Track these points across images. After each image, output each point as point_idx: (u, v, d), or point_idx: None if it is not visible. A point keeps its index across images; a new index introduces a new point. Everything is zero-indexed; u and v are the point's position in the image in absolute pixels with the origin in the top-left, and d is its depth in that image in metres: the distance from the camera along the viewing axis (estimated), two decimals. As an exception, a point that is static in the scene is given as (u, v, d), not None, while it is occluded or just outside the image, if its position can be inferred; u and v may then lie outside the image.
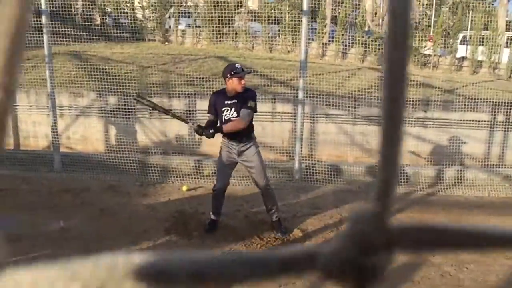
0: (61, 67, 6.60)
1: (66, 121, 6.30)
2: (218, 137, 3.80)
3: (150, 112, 6.13)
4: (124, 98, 5.99)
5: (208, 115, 3.86)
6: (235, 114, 3.66)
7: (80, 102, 6.29)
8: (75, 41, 6.51)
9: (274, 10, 8.46)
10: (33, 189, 4.93)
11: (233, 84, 3.59)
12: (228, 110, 3.68)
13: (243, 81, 3.59)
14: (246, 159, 3.77)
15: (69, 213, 4.25)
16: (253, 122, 3.82)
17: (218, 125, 3.77)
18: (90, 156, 5.76)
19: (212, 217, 3.95)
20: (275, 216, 3.93)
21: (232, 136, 3.71)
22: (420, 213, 4.57)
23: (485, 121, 6.08)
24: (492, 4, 13.97)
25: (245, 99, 3.64)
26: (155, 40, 8.52)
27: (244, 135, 3.72)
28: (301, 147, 5.51)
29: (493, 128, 6.09)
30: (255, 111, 3.72)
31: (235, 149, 3.75)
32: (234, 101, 3.66)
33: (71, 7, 6.28)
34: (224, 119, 3.70)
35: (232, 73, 3.56)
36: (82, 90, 6.30)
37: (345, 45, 8.36)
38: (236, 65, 3.64)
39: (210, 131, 3.69)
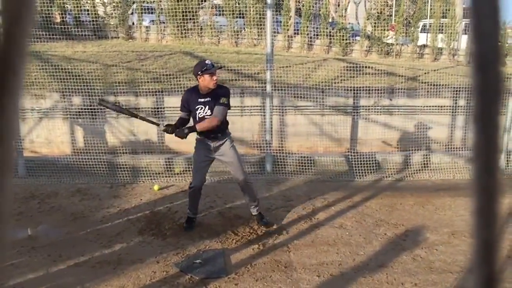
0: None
1: (29, 124, 6.07)
2: (192, 134, 3.76)
3: (116, 112, 6.00)
4: (89, 98, 5.83)
5: (180, 113, 3.80)
6: (209, 112, 3.63)
7: (43, 104, 6.08)
8: (34, 41, 6.26)
9: (239, 3, 8.42)
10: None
11: (205, 81, 3.54)
12: (202, 108, 3.64)
13: (214, 77, 3.55)
14: (222, 154, 3.76)
15: (36, 220, 4.12)
16: None
17: (192, 123, 3.74)
18: (56, 160, 5.59)
19: (190, 214, 3.93)
20: (256, 209, 3.97)
21: (207, 133, 3.69)
22: (390, 198, 4.71)
23: (447, 106, 6.30)
24: (450, -8, 14.41)
25: (218, 96, 3.61)
26: (118, 37, 8.32)
27: (219, 131, 3.72)
28: (271, 140, 5.55)
29: (455, 112, 6.32)
30: (229, 108, 3.70)
31: (211, 145, 3.73)
32: (207, 98, 3.63)
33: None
34: (198, 117, 3.67)
35: (203, 69, 3.51)
36: (45, 92, 6.08)
37: (310, 37, 8.43)
38: (206, 62, 3.59)
39: (185, 131, 3.64)
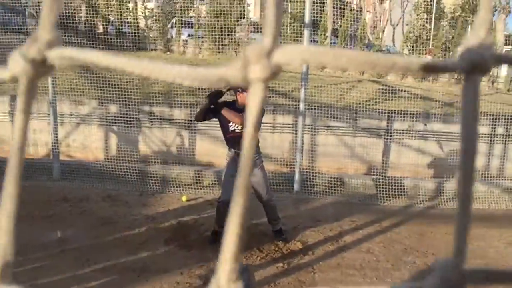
0: (63, 75, 6.62)
1: (66, 129, 6.30)
2: (223, 148, 3.80)
3: (151, 121, 6.15)
4: (126, 107, 6.00)
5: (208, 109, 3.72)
6: (240, 126, 3.67)
7: (81, 110, 6.30)
8: (77, 49, 6.53)
9: (276, 21, 8.52)
10: (31, 198, 4.90)
11: (243, 99, 3.59)
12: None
13: (244, 94, 3.59)
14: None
15: (67, 223, 4.22)
16: None
17: (224, 136, 3.80)
18: (90, 165, 5.75)
19: (216, 228, 3.92)
20: (276, 226, 3.96)
21: (238, 148, 3.72)
22: (420, 226, 4.56)
23: (485, 133, 6.10)
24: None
25: None
26: (157, 49, 8.56)
27: None
28: (301, 159, 5.51)
29: (493, 140, 6.11)
30: (260, 122, 3.72)
31: (239, 162, 3.74)
32: (242, 114, 3.67)
33: (74, 16, 6.32)
34: (230, 129, 3.72)
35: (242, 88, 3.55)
36: (84, 98, 6.31)
37: (346, 57, 8.41)
38: None
39: (217, 99, 3.63)
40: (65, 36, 6.00)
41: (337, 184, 5.53)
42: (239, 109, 3.66)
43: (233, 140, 3.73)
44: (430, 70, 0.29)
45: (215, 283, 0.29)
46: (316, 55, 0.28)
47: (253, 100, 0.28)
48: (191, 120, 6.08)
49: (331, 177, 5.63)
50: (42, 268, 3.35)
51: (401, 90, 6.79)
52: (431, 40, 9.87)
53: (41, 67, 0.30)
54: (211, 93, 3.70)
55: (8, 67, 0.30)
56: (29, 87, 0.31)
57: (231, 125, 3.70)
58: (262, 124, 3.85)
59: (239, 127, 3.68)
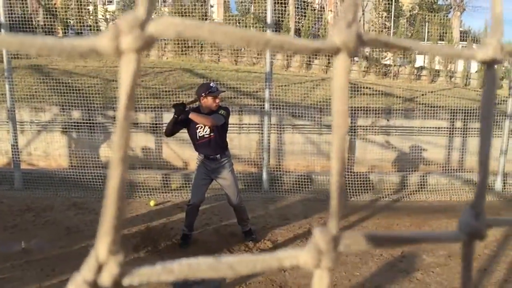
0: (21, 81, 6.39)
1: (27, 136, 6.08)
2: (191, 151, 3.79)
3: (115, 126, 6.03)
4: (88, 112, 5.86)
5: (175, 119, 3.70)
6: (208, 131, 3.70)
7: (42, 117, 6.10)
8: (36, 55, 6.32)
9: (239, 22, 8.55)
10: (-8, 209, 4.72)
11: (208, 103, 3.63)
12: (202, 127, 3.70)
13: (217, 100, 3.64)
14: (220, 176, 3.80)
15: (31, 233, 4.09)
16: None
17: (193, 143, 3.81)
18: (53, 173, 5.58)
19: (185, 231, 3.91)
20: (247, 227, 4.00)
21: (207, 153, 3.73)
22: (386, 219, 4.70)
23: (444, 127, 6.35)
24: (447, 16, 14.69)
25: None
26: (119, 52, 8.39)
27: (220, 151, 3.77)
28: (269, 158, 5.56)
29: (452, 134, 6.37)
30: (225, 122, 3.75)
31: (210, 166, 3.77)
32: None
33: (31, 20, 6.11)
34: (198, 136, 3.73)
35: (208, 92, 3.61)
36: (44, 105, 6.11)
37: (309, 57, 8.54)
38: (211, 84, 3.69)
39: (181, 109, 3.62)
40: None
41: (305, 182, 5.61)
42: (204, 113, 3.67)
43: (203, 146, 3.75)
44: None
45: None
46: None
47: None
48: (156, 124, 6.01)
49: (299, 175, 5.71)
50: (6, 280, 3.23)
51: (364, 87, 6.97)
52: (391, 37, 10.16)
53: (149, 40, 0.26)
54: (175, 104, 3.72)
55: (113, 37, 0.26)
56: (139, 63, 0.27)
57: (199, 132, 3.73)
58: (229, 125, 3.88)
59: (207, 131, 3.69)
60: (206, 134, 3.70)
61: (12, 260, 3.57)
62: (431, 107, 6.35)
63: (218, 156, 3.77)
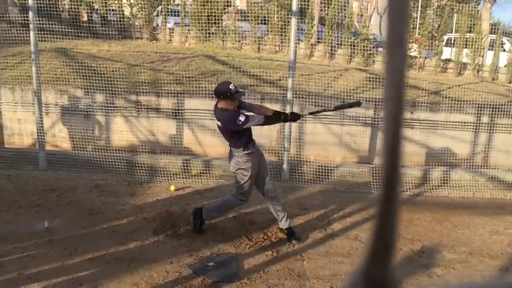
0: (47, 64, 6.49)
1: (52, 118, 6.20)
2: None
3: (137, 111, 6.09)
4: (112, 96, 5.93)
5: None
6: None
7: (67, 100, 6.20)
8: (61, 38, 6.40)
9: (262, 9, 8.46)
10: (18, 188, 4.85)
11: (226, 105, 3.54)
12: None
13: (236, 102, 3.57)
14: (261, 162, 3.80)
15: (54, 213, 4.19)
16: None
17: (246, 136, 3.70)
18: (77, 155, 5.68)
19: (206, 220, 3.92)
20: (287, 223, 3.86)
21: (253, 142, 3.74)
22: (407, 213, 4.64)
23: (470, 122, 6.19)
24: (476, 8, 14.23)
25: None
26: (142, 38, 8.45)
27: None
28: (289, 147, 5.53)
29: (478, 129, 6.20)
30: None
31: (256, 153, 3.75)
32: (242, 110, 3.66)
33: (58, 4, 6.18)
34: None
35: (227, 95, 3.50)
36: (69, 88, 6.21)
37: (333, 46, 8.41)
38: (230, 87, 3.51)
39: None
40: (49, 24, 5.87)
41: (325, 173, 5.57)
42: (222, 108, 3.58)
43: (251, 136, 3.74)
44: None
45: None
46: None
47: None
48: (178, 109, 6.04)
49: (319, 166, 5.66)
50: (30, 258, 3.32)
51: (388, 79, 6.82)
52: (417, 28, 9.92)
53: None
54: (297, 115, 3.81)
55: None
56: None
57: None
58: (250, 113, 3.82)
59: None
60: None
61: (36, 238, 3.67)
62: (457, 101, 6.19)
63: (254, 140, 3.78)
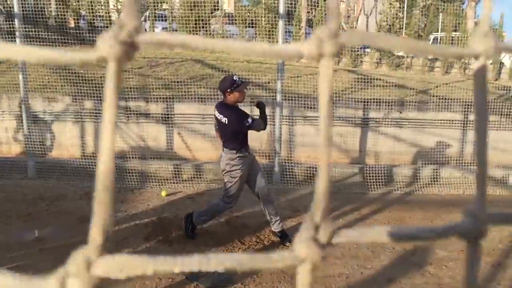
0: (34, 71, 6.43)
1: (40, 126, 6.14)
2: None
3: (127, 116, 6.05)
4: (100, 102, 5.88)
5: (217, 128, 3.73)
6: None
7: (55, 107, 6.14)
8: (49, 45, 6.34)
9: (250, 13, 8.48)
10: (6, 197, 4.78)
11: (235, 97, 3.50)
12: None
13: (244, 92, 3.54)
14: (253, 165, 3.77)
15: (44, 222, 4.14)
16: None
17: (242, 138, 3.65)
18: (65, 162, 5.63)
19: (198, 225, 3.88)
20: (279, 226, 3.85)
21: (247, 145, 3.70)
22: (399, 212, 4.67)
23: (458, 120, 6.26)
24: (461, 7, 14.41)
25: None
26: (130, 43, 8.39)
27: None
28: (280, 149, 5.54)
29: (466, 127, 6.27)
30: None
31: (249, 156, 3.71)
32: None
33: (44, 10, 6.12)
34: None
35: (233, 87, 3.46)
36: (57, 95, 6.15)
37: (321, 48, 8.44)
38: (235, 78, 3.49)
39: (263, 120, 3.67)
40: (35, 31, 5.82)
41: (316, 174, 5.58)
42: (230, 106, 3.57)
43: (247, 140, 3.69)
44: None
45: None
46: (370, 38, 0.36)
47: (326, 72, 0.35)
48: (168, 114, 6.02)
49: (310, 167, 5.69)
50: (20, 268, 3.28)
51: (376, 79, 6.89)
52: (404, 28, 10.02)
53: (129, 50, 0.32)
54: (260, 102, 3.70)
55: (97, 48, 0.32)
56: (118, 69, 0.33)
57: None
58: None
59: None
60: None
61: (26, 248, 3.62)
62: (444, 99, 6.26)
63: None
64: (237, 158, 3.62)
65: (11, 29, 5.47)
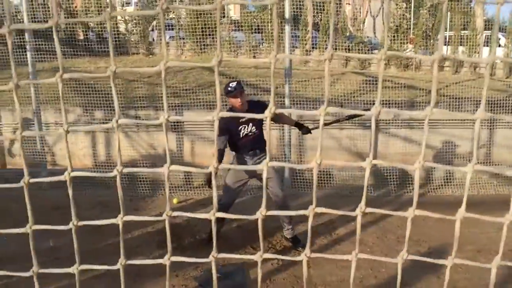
0: (45, 83, 6.53)
1: (52, 137, 6.23)
2: (211, 148, 3.79)
3: (137, 125, 6.11)
4: (111, 113, 5.95)
5: (221, 137, 3.63)
6: (253, 129, 3.64)
7: (66, 118, 6.22)
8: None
9: (256, 19, 8.52)
10: (22, 208, 4.84)
11: (231, 103, 3.54)
12: (245, 126, 3.64)
13: (239, 100, 3.47)
14: (261, 170, 3.72)
15: (58, 231, 4.16)
16: None
17: (236, 143, 3.67)
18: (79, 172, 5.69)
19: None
20: (291, 232, 3.86)
21: (249, 149, 3.69)
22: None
23: (470, 119, 6.18)
24: (469, 5, 14.29)
25: (260, 110, 3.61)
26: (139, 53, 8.50)
27: (261, 146, 3.70)
28: (290, 154, 5.54)
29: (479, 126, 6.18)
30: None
31: (250, 162, 3.69)
32: (246, 118, 3.57)
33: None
34: (242, 135, 3.65)
35: (226, 94, 3.49)
36: (68, 106, 6.24)
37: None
38: (230, 84, 3.50)
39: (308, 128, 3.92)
40: (45, 45, 5.92)
41: (327, 178, 5.56)
42: (240, 111, 3.52)
43: (245, 143, 3.67)
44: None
45: None
46: None
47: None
48: (177, 122, 6.06)
49: (320, 171, 5.66)
50: (37, 277, 3.31)
51: (385, 80, 6.85)
52: (411, 29, 9.97)
53: None
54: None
55: None
56: None
57: (243, 131, 3.65)
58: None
59: (253, 129, 3.65)
60: (251, 133, 3.66)
61: (42, 257, 3.65)
62: (455, 98, 6.19)
63: (257, 151, 3.70)
64: (233, 159, 3.78)
65: (22, 43, 5.57)
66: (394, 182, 5.52)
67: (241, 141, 3.66)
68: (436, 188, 5.52)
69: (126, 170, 0.96)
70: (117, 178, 0.90)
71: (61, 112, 0.61)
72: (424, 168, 0.64)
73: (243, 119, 3.62)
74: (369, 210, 0.67)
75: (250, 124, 3.65)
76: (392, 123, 6.11)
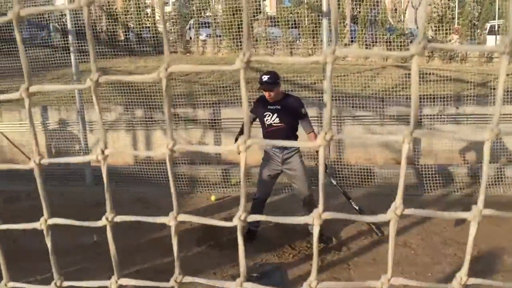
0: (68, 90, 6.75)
1: (95, 135, 6.42)
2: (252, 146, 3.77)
3: (175, 123, 6.18)
4: (150, 111, 6.06)
5: (250, 114, 3.81)
6: (277, 120, 3.67)
7: (108, 117, 6.40)
8: (101, 58, 6.64)
9: (292, 14, 8.40)
10: (66, 204, 5.02)
11: (264, 93, 3.66)
12: (269, 115, 3.69)
13: (267, 93, 3.62)
14: (290, 167, 3.72)
15: (101, 227, 4.28)
16: None
17: (262, 131, 3.76)
18: (120, 169, 5.84)
19: (251, 227, 3.88)
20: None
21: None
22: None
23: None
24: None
25: (289, 106, 3.65)
26: (176, 52, 8.60)
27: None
28: (329, 151, 5.41)
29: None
30: (298, 112, 3.70)
31: (279, 156, 3.70)
32: (276, 106, 3.67)
33: (95, 26, 6.42)
34: (266, 124, 3.72)
35: (259, 85, 3.66)
36: (110, 105, 6.41)
37: (367, 44, 8.19)
38: (262, 77, 3.63)
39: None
40: (87, 46, 6.09)
41: (367, 176, 5.39)
42: (270, 102, 3.67)
43: (271, 135, 3.64)
44: None
45: None
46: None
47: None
48: (215, 119, 6.08)
49: (360, 169, 5.49)
50: (79, 271, 3.41)
51: (429, 74, 6.55)
52: (456, 18, 9.49)
53: None
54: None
55: None
56: None
57: (267, 120, 3.70)
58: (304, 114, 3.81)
59: (276, 120, 3.67)
60: (275, 123, 3.68)
61: (85, 252, 3.77)
62: (507, 91, 5.81)
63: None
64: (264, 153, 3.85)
65: (66, 45, 5.76)
66: (440, 180, 5.27)
67: (266, 129, 3.71)
68: (486, 188, 5.21)
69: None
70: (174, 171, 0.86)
71: (95, 109, 0.58)
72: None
73: (271, 107, 3.68)
74: (407, 212, 0.59)
75: (275, 115, 3.66)
76: (437, 118, 5.83)
